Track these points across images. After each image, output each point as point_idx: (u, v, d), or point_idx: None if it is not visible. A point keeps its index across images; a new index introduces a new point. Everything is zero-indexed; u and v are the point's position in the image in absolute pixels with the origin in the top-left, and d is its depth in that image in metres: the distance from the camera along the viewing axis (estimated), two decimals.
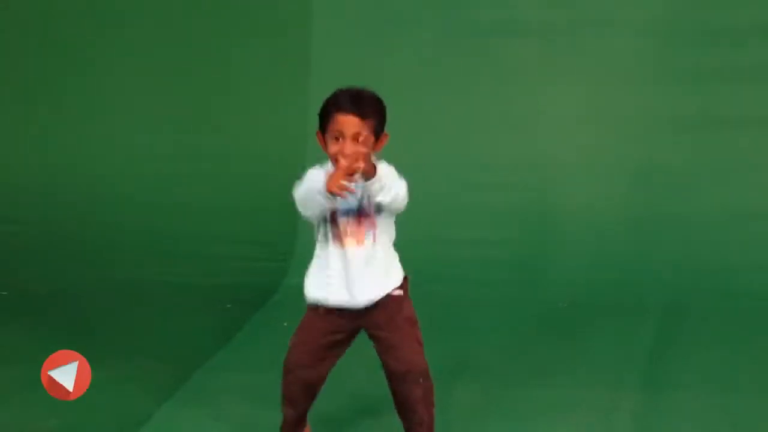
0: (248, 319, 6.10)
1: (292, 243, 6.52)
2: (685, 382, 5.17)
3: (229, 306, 6.35)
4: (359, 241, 4.13)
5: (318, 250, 4.21)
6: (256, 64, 6.84)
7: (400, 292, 4.22)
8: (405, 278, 4.28)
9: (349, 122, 4.05)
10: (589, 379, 5.22)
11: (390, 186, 4.07)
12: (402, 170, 6.75)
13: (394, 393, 4.27)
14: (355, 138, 4.05)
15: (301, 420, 4.39)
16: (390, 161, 6.58)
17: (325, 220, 4.15)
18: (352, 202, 4.12)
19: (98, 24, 7.45)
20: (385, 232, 4.19)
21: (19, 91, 7.64)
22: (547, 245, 6.64)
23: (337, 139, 4.07)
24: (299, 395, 4.31)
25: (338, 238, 4.14)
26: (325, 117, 4.10)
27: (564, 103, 6.72)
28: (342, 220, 4.13)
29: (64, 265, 7.00)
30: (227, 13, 7.17)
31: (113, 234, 7.19)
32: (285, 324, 6.03)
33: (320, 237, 4.20)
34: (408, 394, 4.23)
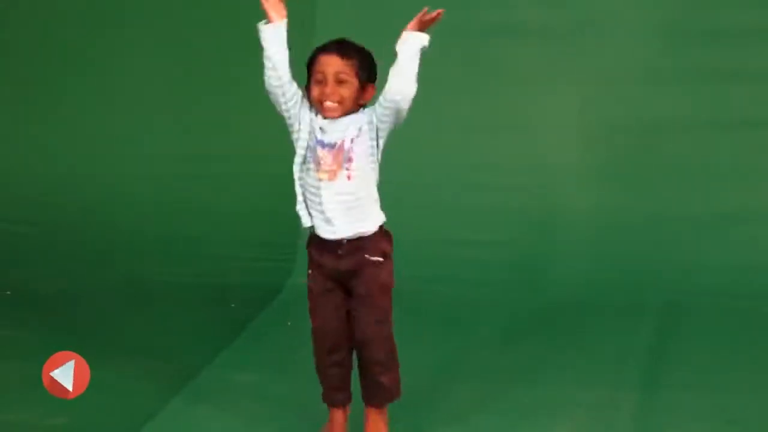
0: (253, 318, 6.12)
1: (295, 243, 6.54)
2: (685, 381, 5.20)
3: (233, 305, 6.37)
4: (332, 176, 4.15)
5: (296, 175, 4.24)
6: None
7: (379, 259, 4.27)
8: (389, 237, 4.33)
9: (330, 61, 4.13)
10: (590, 379, 5.26)
11: (415, 59, 4.10)
12: (404, 170, 6.83)
13: (358, 356, 4.40)
14: (338, 78, 4.12)
15: (340, 388, 4.46)
16: (392, 162, 6.64)
17: (308, 146, 4.18)
18: (332, 134, 4.15)
19: (104, 25, 7.45)
20: (362, 171, 4.18)
21: (22, 92, 7.64)
22: (548, 246, 6.64)
23: (320, 82, 4.13)
24: (324, 358, 4.40)
25: (316, 169, 4.18)
26: (310, 63, 4.18)
27: (565, 104, 6.72)
28: (320, 152, 4.16)
29: (70, 265, 7.02)
30: (236, 16, 7.17)
31: (119, 235, 7.20)
32: (288, 323, 6.08)
33: (300, 160, 4.22)
34: (369, 358, 4.34)
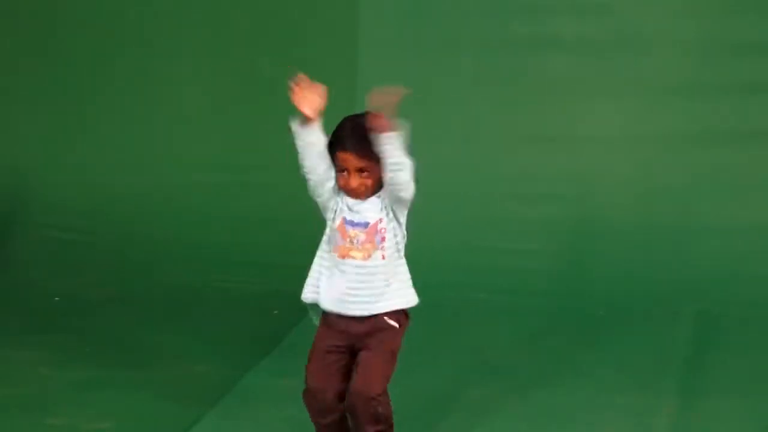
0: (295, 324, 6.15)
1: None
2: (722, 389, 5.22)
3: (276, 312, 6.42)
4: (365, 256, 4.10)
5: (321, 252, 4.20)
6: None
7: (395, 324, 4.18)
8: (406, 312, 4.22)
9: (349, 160, 4.05)
10: (628, 385, 5.28)
11: (401, 155, 3.98)
12: (445, 180, 6.85)
13: (352, 414, 4.26)
14: (359, 170, 4.06)
15: None
16: (431, 171, 6.64)
17: (332, 225, 4.14)
18: (362, 213, 4.10)
19: (149, 38, 7.54)
20: (392, 250, 4.13)
21: (75, 106, 7.73)
22: (586, 255, 6.66)
23: (342, 171, 4.09)
24: (318, 416, 4.31)
25: (343, 247, 4.12)
26: (331, 149, 4.10)
27: (604, 116, 6.75)
28: (351, 231, 4.11)
29: (116, 272, 7.11)
30: (276, 26, 7.23)
31: (162, 243, 7.26)
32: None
33: (326, 239, 4.18)
34: (364, 414, 4.19)
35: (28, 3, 7.82)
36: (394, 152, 3.97)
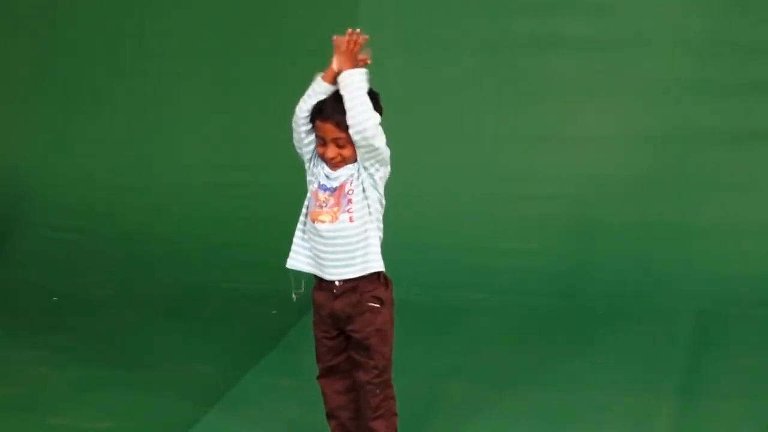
0: (293, 324, 6.16)
1: None
2: (723, 388, 5.22)
3: (275, 312, 6.42)
4: (333, 218, 4.16)
5: (302, 217, 4.29)
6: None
7: (375, 305, 4.23)
8: (387, 284, 4.27)
9: (327, 129, 4.14)
10: (628, 385, 5.28)
11: (358, 93, 4.05)
12: (443, 179, 6.84)
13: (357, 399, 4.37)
14: (337, 143, 4.13)
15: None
16: (432, 171, 6.65)
17: (310, 189, 4.23)
18: (336, 179, 4.16)
19: (148, 38, 7.54)
20: (361, 212, 4.16)
21: (75, 106, 7.72)
22: (584, 255, 6.65)
23: (322, 141, 4.17)
24: (335, 397, 4.39)
25: (314, 211, 4.19)
26: (312, 118, 4.18)
27: (602, 117, 6.74)
28: (322, 195, 4.18)
29: (115, 272, 7.09)
30: (271, 28, 7.23)
31: (164, 243, 7.24)
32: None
33: (306, 203, 4.27)
34: (364, 402, 4.31)
35: (28, 3, 7.82)
36: (352, 89, 4.04)
